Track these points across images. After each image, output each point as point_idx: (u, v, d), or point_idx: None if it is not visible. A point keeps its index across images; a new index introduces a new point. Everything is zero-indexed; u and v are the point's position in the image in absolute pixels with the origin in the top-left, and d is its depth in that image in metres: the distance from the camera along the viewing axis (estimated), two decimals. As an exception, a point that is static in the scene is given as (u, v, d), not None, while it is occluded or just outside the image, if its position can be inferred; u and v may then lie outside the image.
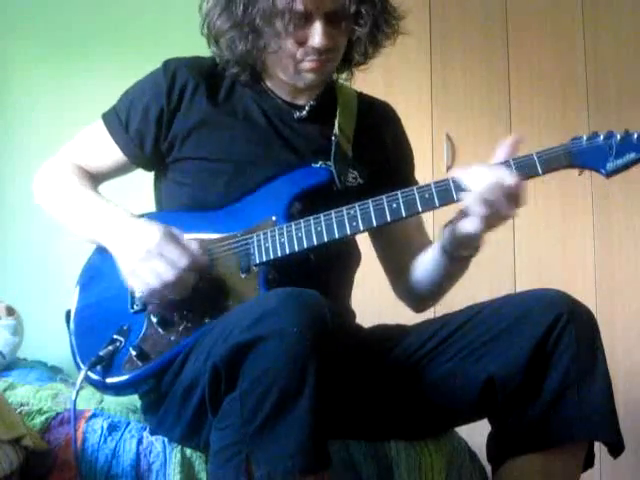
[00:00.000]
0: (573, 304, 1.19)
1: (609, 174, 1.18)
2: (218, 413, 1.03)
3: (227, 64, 1.32)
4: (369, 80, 1.43)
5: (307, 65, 1.26)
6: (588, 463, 1.23)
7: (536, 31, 2.80)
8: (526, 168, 1.17)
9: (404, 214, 1.19)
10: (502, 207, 1.14)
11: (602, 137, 1.19)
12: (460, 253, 1.27)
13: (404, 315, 1.45)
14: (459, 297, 1.37)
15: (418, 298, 1.43)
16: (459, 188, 1.17)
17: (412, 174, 1.49)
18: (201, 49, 1.38)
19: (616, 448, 1.18)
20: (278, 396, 0.96)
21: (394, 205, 1.19)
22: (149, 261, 1.16)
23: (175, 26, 2.80)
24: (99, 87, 2.63)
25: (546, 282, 1.25)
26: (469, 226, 1.18)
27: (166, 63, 1.35)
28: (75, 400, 1.17)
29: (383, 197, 1.20)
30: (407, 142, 1.50)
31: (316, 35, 1.22)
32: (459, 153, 2.76)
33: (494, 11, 2.82)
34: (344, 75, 1.42)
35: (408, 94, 2.76)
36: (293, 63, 1.26)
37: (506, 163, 1.17)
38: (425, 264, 1.36)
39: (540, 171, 1.17)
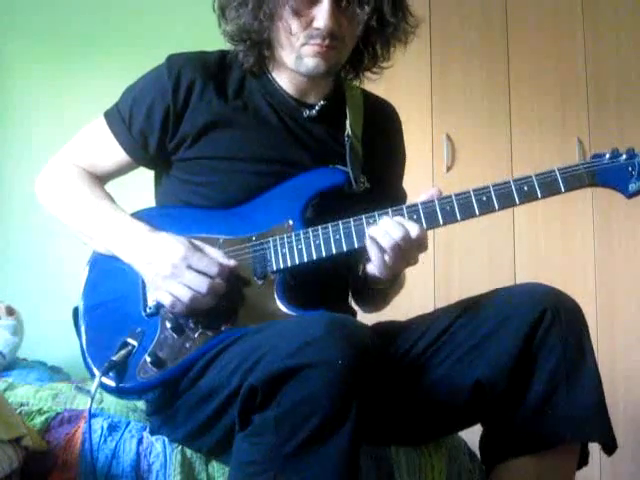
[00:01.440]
0: (558, 299, 1.18)
1: (631, 195, 1.18)
2: (247, 427, 1.02)
3: (235, 43, 1.29)
4: (372, 79, 1.42)
5: (309, 49, 1.23)
6: (583, 461, 1.22)
7: (536, 31, 2.81)
8: (548, 186, 1.17)
9: (425, 225, 1.17)
10: (406, 257, 1.17)
11: (624, 156, 1.18)
12: (376, 287, 1.29)
13: (403, 313, 1.45)
14: (458, 298, 1.36)
15: (360, 305, 1.46)
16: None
17: (402, 182, 1.48)
18: (202, 48, 1.37)
19: (610, 446, 1.17)
20: (316, 426, 0.95)
21: (414, 217, 1.17)
22: (178, 276, 1.15)
23: (176, 25, 2.81)
24: (99, 87, 2.63)
25: (546, 282, 1.25)
26: (374, 270, 1.19)
27: (170, 59, 1.31)
28: (91, 407, 1.15)
29: (403, 207, 1.18)
30: (404, 149, 1.49)
31: (321, 16, 1.19)
32: (459, 153, 2.77)
33: (494, 11, 2.82)
34: (351, 77, 1.40)
35: (408, 94, 2.76)
36: (296, 44, 1.23)
37: (415, 209, 1.17)
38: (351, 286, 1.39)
39: (563, 189, 1.17)
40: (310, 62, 1.24)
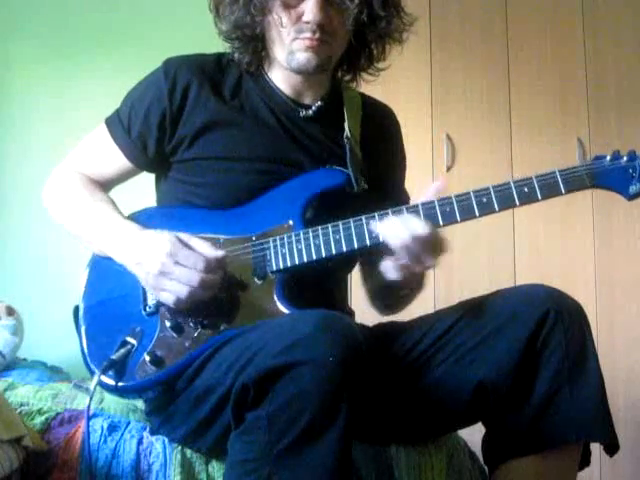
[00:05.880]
0: (560, 300, 1.18)
1: (632, 197, 1.18)
2: (241, 426, 1.02)
3: (230, 41, 1.31)
4: (369, 80, 1.43)
5: (300, 43, 1.24)
6: (585, 461, 1.23)
7: (536, 31, 2.81)
8: (548, 187, 1.17)
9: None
10: (420, 256, 1.13)
11: (625, 158, 1.18)
12: (400, 293, 1.29)
13: (403, 314, 1.45)
14: (458, 298, 1.37)
15: (380, 309, 1.45)
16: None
17: (403, 184, 1.48)
18: (202, 49, 1.37)
19: (612, 447, 1.17)
20: (308, 423, 0.95)
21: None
22: (168, 273, 1.15)
23: (175, 26, 2.81)
24: (99, 87, 2.64)
25: (546, 282, 1.25)
26: (390, 274, 1.17)
27: (166, 63, 1.33)
28: (89, 405, 1.15)
29: (403, 207, 1.18)
30: (404, 151, 1.49)
31: (309, 9, 1.21)
32: (459, 153, 2.77)
33: (494, 12, 2.82)
34: (348, 79, 1.41)
35: (408, 94, 2.76)
36: (287, 39, 1.24)
37: (415, 209, 1.16)
38: (376, 292, 1.39)
39: (563, 191, 1.17)
40: (301, 57, 1.25)
